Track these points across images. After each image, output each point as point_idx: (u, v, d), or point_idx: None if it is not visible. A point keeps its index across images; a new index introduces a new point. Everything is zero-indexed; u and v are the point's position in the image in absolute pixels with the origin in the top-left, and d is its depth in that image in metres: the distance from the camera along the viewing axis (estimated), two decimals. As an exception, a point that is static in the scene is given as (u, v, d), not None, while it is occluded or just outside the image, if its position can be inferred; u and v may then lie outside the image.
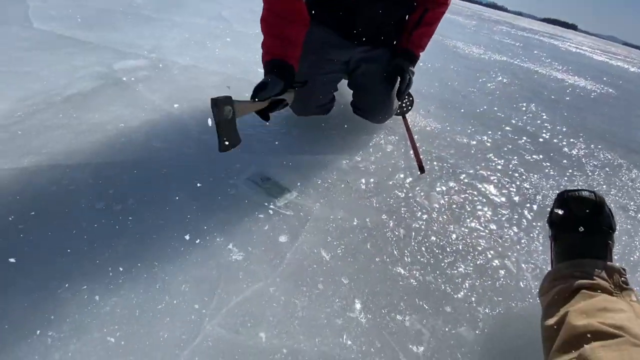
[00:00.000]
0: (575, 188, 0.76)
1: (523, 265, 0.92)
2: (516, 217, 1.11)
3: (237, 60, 1.93)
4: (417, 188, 1.13)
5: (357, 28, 1.20)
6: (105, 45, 1.73)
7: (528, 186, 1.28)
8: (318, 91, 1.26)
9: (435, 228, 0.98)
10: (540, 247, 1.00)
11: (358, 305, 0.72)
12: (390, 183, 1.13)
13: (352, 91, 1.39)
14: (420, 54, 1.30)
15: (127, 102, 1.25)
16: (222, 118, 0.77)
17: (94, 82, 1.33)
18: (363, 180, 1.11)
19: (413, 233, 0.94)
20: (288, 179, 1.04)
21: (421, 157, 1.26)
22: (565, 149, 1.70)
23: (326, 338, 0.65)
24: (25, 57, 1.40)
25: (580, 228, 0.70)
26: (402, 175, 1.17)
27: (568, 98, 2.78)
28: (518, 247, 0.98)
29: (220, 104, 0.76)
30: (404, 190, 1.10)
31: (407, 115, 1.58)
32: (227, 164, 1.05)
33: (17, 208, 0.76)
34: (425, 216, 1.01)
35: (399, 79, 1.25)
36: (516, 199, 1.20)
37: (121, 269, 0.68)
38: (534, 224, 1.09)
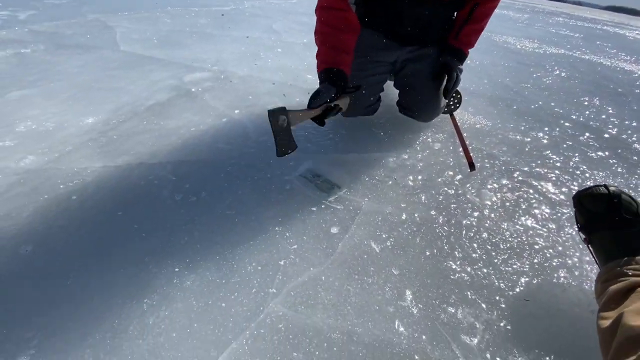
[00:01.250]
0: (586, 187, 0.75)
1: (586, 266, 0.87)
2: (579, 216, 1.04)
3: (287, 68, 2.06)
4: (468, 185, 1.12)
5: (404, 29, 1.23)
6: (177, 61, 1.95)
7: (592, 184, 1.19)
8: (365, 93, 1.31)
9: (487, 225, 0.97)
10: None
11: (409, 296, 0.75)
12: (439, 180, 1.13)
13: (397, 91, 1.42)
14: (469, 51, 1.28)
15: (196, 109, 1.42)
16: (278, 127, 0.86)
17: (169, 94, 1.52)
18: (411, 177, 1.13)
19: (464, 229, 0.95)
20: (337, 175, 1.10)
21: (471, 154, 1.24)
22: (636, 145, 1.54)
23: (379, 323, 0.69)
24: (115, 75, 1.65)
25: (606, 225, 0.69)
26: (451, 173, 1.17)
27: (638, 91, 2.48)
28: (581, 246, 0.93)
29: (275, 115, 0.85)
30: (454, 188, 1.10)
31: (455, 114, 1.56)
32: (283, 162, 1.14)
33: (115, 199, 0.92)
34: (476, 213, 1.01)
35: (446, 77, 1.25)
36: (579, 197, 1.13)
37: (197, 251, 0.80)
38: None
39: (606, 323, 0.58)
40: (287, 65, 2.10)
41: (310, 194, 1.01)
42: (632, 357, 0.49)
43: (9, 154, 1.03)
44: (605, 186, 0.71)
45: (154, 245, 0.80)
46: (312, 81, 1.83)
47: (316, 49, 1.11)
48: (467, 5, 1.20)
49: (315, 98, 0.98)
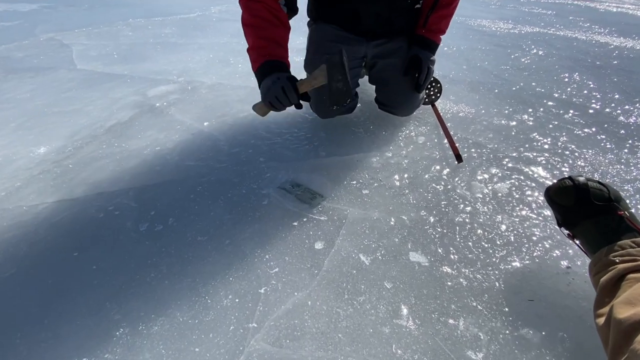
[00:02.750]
0: (554, 183, 0.74)
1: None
2: (574, 200, 0.99)
3: (258, 72, 1.96)
4: (457, 179, 1.06)
5: (363, 26, 1.16)
6: (139, 75, 1.84)
7: (583, 163, 1.15)
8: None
9: (481, 220, 0.91)
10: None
11: (405, 311, 0.68)
12: (426, 177, 1.07)
13: (374, 87, 1.35)
14: (441, 38, 1.22)
15: (161, 126, 1.32)
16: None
17: (131, 111, 1.42)
18: (396, 177, 1.06)
19: (457, 228, 0.88)
20: (318, 183, 1.03)
21: (457, 145, 1.18)
22: (621, 118, 1.51)
23: (374, 348, 0.62)
24: (72, 96, 1.53)
25: (582, 217, 0.68)
26: (438, 167, 1.11)
27: (615, 62, 2.48)
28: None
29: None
30: (442, 183, 1.04)
31: (436, 103, 1.51)
32: (258, 174, 1.06)
33: (71, 238, 0.82)
34: (468, 208, 0.94)
35: (417, 71, 1.18)
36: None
37: (166, 288, 0.71)
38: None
39: (602, 320, 0.53)
40: (258, 69, 2.00)
41: (290, 207, 0.93)
42: (625, 355, 0.44)
43: (-52, 197, 0.92)
44: (570, 178, 0.70)
45: (117, 287, 0.71)
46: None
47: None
48: None
49: (279, 95, 0.92)
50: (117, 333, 0.62)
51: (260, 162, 1.13)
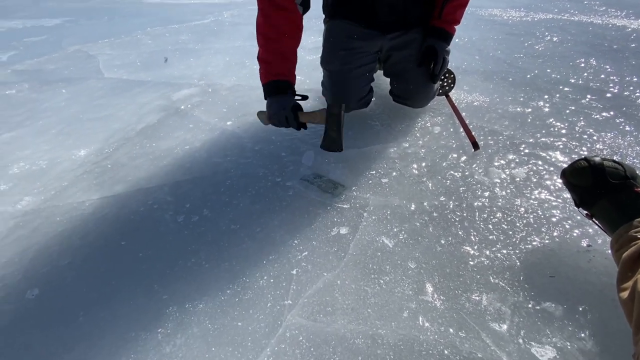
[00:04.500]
0: (569, 164, 0.76)
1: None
2: (593, 182, 1.01)
3: (274, 72, 2.03)
4: (474, 165, 1.09)
5: (378, 17, 1.19)
6: (163, 80, 1.93)
7: (601, 147, 1.16)
8: (355, 86, 1.28)
9: (500, 203, 0.94)
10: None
11: (430, 289, 0.72)
12: (444, 165, 1.10)
13: (388, 79, 1.38)
14: (456, 28, 1.24)
15: (187, 127, 1.39)
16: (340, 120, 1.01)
17: (159, 114, 1.50)
18: (415, 166, 1.10)
19: (477, 212, 0.91)
20: (339, 174, 1.07)
21: (473, 133, 1.21)
22: (642, 101, 1.49)
23: (402, 322, 0.66)
24: (103, 103, 1.63)
25: (600, 196, 0.69)
26: (455, 155, 1.14)
27: (634, 45, 2.42)
28: (600, 213, 0.89)
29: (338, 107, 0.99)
30: (460, 170, 1.07)
31: (450, 94, 1.53)
32: (281, 168, 1.12)
33: (117, 229, 0.90)
34: (487, 193, 0.97)
35: (433, 62, 1.21)
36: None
37: (206, 271, 0.77)
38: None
39: (626, 294, 0.55)
40: (273, 70, 2.07)
41: (314, 197, 0.98)
42: None
43: (5, 197, 1.02)
44: (586, 159, 0.72)
45: (162, 271, 0.78)
46: (300, 81, 1.79)
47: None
48: None
49: (282, 122, 1.06)
50: (167, 311, 0.69)
51: (283, 156, 1.19)
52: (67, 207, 0.97)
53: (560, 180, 1.01)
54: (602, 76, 1.81)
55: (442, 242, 0.82)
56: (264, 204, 0.96)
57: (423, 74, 1.25)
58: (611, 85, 1.67)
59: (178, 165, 1.14)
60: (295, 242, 0.84)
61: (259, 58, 1.09)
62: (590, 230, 0.84)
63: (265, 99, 1.10)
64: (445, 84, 1.55)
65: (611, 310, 0.67)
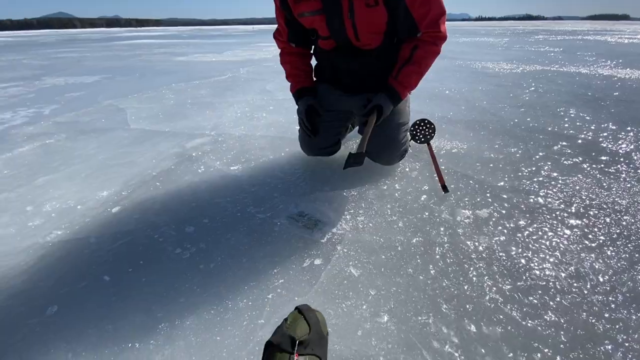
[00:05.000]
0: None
1: (556, 266, 0.93)
2: (550, 221, 1.11)
3: (278, 123, 2.28)
4: (442, 207, 1.21)
5: (343, 83, 1.43)
6: (180, 131, 2.21)
7: (564, 189, 1.27)
8: (320, 137, 1.50)
9: (460, 240, 1.05)
10: (577, 248, 0.99)
11: (384, 312, 0.82)
12: (415, 205, 1.23)
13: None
14: (406, 93, 1.31)
15: (196, 172, 1.60)
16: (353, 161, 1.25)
17: (173, 161, 1.73)
18: (389, 206, 1.23)
19: (437, 247, 1.02)
20: (322, 212, 1.22)
21: (445, 177, 1.35)
22: (610, 146, 1.61)
23: (356, 340, 0.76)
24: (127, 151, 1.89)
25: None
26: (426, 197, 1.27)
27: (617, 93, 2.58)
28: (551, 249, 0.99)
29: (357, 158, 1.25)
30: (429, 210, 1.20)
31: (432, 142, 1.70)
32: (272, 206, 1.28)
33: (125, 259, 1.05)
34: (450, 231, 1.09)
35: (374, 117, 1.28)
36: (550, 203, 1.20)
37: (197, 294, 0.90)
38: (571, 224, 1.08)
39: None
40: (278, 121, 2.33)
41: (296, 232, 1.12)
42: None
43: (38, 231, 1.21)
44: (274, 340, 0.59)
45: (160, 294, 0.91)
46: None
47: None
48: (407, 47, 1.26)
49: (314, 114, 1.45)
50: (160, 326, 0.82)
51: (275, 197, 1.35)
52: (87, 240, 1.15)
53: (521, 221, 1.12)
54: (579, 124, 1.95)
55: (402, 273, 0.93)
56: (253, 238, 1.11)
57: (390, 135, 1.38)
58: (585, 132, 1.81)
59: (184, 205, 1.32)
60: (275, 271, 0.96)
61: (286, 76, 1.53)
62: (540, 264, 0.93)
63: (296, 102, 1.50)
64: (427, 133, 1.73)
65: (548, 329, 0.74)
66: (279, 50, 1.54)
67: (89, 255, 1.07)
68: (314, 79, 1.58)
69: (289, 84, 1.54)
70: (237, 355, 0.74)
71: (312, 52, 1.53)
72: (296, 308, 0.69)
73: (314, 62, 1.56)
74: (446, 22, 1.22)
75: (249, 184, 1.46)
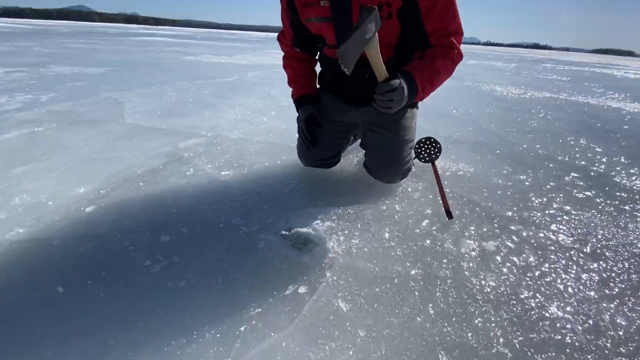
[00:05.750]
0: None
1: (572, 317, 0.81)
2: (564, 261, 1.00)
3: (278, 129, 2.19)
4: (445, 235, 1.10)
5: (348, 93, 1.33)
6: (175, 129, 2.11)
7: (577, 225, 1.16)
8: (319, 147, 1.40)
9: (464, 276, 0.93)
10: (595, 296, 0.87)
11: None
12: (416, 231, 1.12)
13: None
14: (423, 82, 1.09)
15: (184, 174, 1.50)
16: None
17: (162, 160, 1.62)
18: (387, 230, 1.12)
19: (439, 282, 0.91)
20: (314, 231, 1.11)
21: (450, 202, 1.24)
22: (625, 182, 1.51)
23: (339, 392, 0.64)
24: (116, 145, 1.79)
25: None
26: (428, 222, 1.16)
27: (626, 127, 2.50)
28: (566, 295, 0.88)
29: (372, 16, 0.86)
30: (431, 238, 1.09)
31: (437, 162, 1.59)
32: (260, 219, 1.16)
33: (87, 267, 0.94)
34: (452, 264, 0.98)
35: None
36: (563, 240, 1.09)
37: (159, 319, 0.78)
38: (587, 267, 0.97)
39: None
40: (279, 127, 2.23)
41: (282, 251, 1.01)
42: None
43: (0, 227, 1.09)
44: None
45: (116, 313, 0.79)
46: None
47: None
48: (419, 52, 1.15)
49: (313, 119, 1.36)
50: (108, 356, 0.70)
51: (265, 208, 1.24)
52: (50, 242, 1.03)
53: (531, 258, 1.01)
54: (590, 155, 1.86)
55: (397, 311, 0.82)
56: (233, 254, 0.99)
57: (394, 154, 1.29)
58: (597, 164, 1.71)
59: (164, 210, 1.21)
60: (252, 297, 0.85)
61: (288, 82, 1.47)
62: (554, 312, 0.82)
63: (297, 110, 1.44)
64: (432, 152, 1.63)
65: None
66: (282, 54, 1.46)
67: (47, 260, 0.95)
68: (317, 86, 1.50)
69: (291, 89, 1.46)
70: (194, 402, 0.62)
71: (317, 57, 1.45)
72: None
73: (318, 68, 1.48)
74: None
75: (239, 192, 1.35)
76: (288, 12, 1.28)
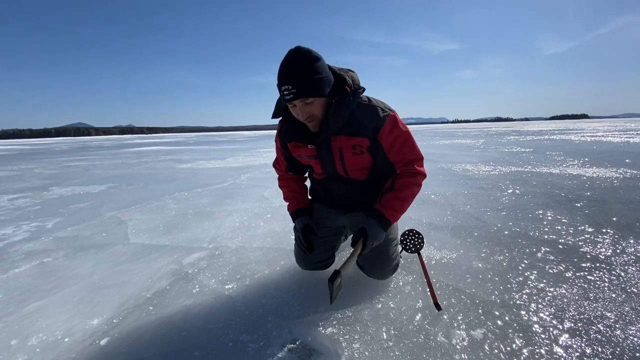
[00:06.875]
0: None
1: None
2: (546, 342, 1.10)
3: (274, 233, 2.37)
4: (436, 328, 1.20)
5: (337, 202, 1.59)
6: (178, 244, 2.27)
7: (552, 302, 1.29)
8: (315, 252, 1.58)
9: (459, 369, 1.01)
10: (578, 375, 0.96)
11: None
12: (411, 327, 1.22)
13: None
14: (396, 217, 1.34)
15: (191, 292, 1.60)
16: (336, 289, 1.18)
17: (169, 280, 1.74)
18: (384, 329, 1.22)
19: (437, 379, 0.99)
20: (317, 339, 1.19)
21: (437, 292, 1.37)
22: (590, 250, 1.69)
23: None
24: (123, 270, 1.91)
25: None
26: (421, 316, 1.27)
27: (588, 193, 2.80)
28: (553, 378, 0.96)
29: (335, 281, 1.16)
30: (424, 333, 1.18)
31: (422, 251, 1.76)
32: (265, 333, 1.25)
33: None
34: (447, 357, 1.06)
35: (361, 243, 1.31)
36: (543, 320, 1.20)
37: None
38: (565, 344, 1.07)
39: None
40: (274, 230, 2.43)
41: (290, 366, 1.08)
42: None
43: (18, 372, 1.14)
44: None
45: None
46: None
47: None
48: (390, 179, 1.39)
49: (310, 234, 1.53)
50: None
51: (269, 321, 1.33)
52: (69, 382, 1.08)
53: (517, 341, 1.11)
54: (558, 227, 2.07)
55: (402, 415, 0.88)
56: (244, 374, 1.06)
57: (378, 251, 1.44)
58: (564, 236, 1.91)
59: (175, 333, 1.29)
60: (267, 418, 0.90)
61: (284, 198, 1.68)
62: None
63: (293, 221, 1.63)
64: (417, 243, 1.81)
65: None
66: (277, 175, 1.74)
67: (68, 404, 1.00)
68: (309, 197, 1.75)
69: (287, 203, 1.70)
70: None
71: (306, 176, 1.74)
72: None
73: (308, 182, 1.75)
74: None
75: (243, 306, 1.45)
76: (282, 150, 1.60)
